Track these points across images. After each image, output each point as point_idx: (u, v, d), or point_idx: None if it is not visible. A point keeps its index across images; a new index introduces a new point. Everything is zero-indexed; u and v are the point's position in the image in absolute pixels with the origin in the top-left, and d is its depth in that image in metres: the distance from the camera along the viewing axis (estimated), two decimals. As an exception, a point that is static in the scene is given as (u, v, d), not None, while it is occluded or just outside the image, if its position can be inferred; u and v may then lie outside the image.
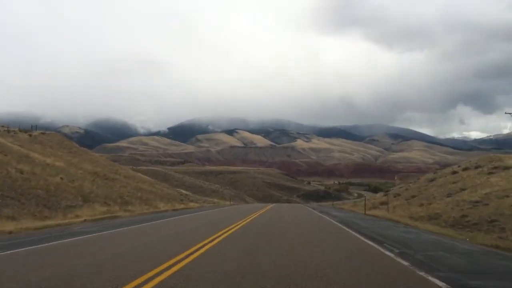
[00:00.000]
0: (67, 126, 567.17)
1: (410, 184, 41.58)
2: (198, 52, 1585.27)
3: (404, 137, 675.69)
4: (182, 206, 38.30)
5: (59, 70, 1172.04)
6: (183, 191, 61.45)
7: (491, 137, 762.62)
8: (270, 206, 46.31)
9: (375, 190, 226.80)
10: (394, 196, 34.98)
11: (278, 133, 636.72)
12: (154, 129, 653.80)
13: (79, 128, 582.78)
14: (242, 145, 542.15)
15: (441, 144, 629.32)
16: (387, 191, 47.90)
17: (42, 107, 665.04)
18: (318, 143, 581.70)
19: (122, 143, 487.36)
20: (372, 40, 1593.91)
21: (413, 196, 31.29)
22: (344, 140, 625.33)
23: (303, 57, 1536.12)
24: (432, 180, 36.71)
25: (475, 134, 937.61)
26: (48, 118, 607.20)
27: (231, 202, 61.85)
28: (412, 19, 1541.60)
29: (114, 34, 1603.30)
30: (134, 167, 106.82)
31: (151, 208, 30.15)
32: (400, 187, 43.46)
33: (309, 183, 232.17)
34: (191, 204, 44.09)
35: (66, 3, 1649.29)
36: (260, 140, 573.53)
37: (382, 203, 32.76)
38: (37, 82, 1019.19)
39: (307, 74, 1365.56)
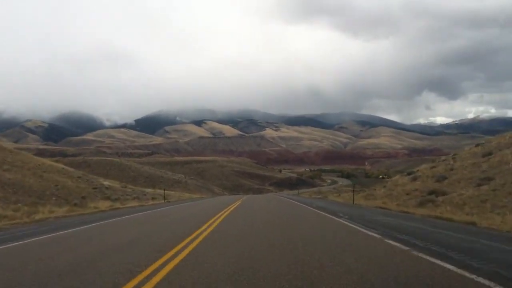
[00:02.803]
0: (30, 120, 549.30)
1: (451, 162, 28.84)
2: (164, 43, 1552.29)
3: (372, 124, 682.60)
4: (61, 211, 20.45)
5: (21, 63, 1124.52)
6: (106, 183, 45.94)
7: (456, 122, 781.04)
8: (237, 203, 27.81)
9: (348, 176, 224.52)
10: (438, 181, 23.89)
11: (246, 123, 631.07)
12: (121, 121, 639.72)
13: (43, 122, 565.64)
14: (211, 135, 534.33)
15: (408, 130, 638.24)
16: (409, 173, 32.51)
17: (4, 101, 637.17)
18: (287, 131, 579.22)
19: (88, 136, 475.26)
20: (338, 29, 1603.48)
21: (489, 179, 18.72)
22: (313, 128, 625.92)
23: (270, 47, 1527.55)
24: (487, 154, 25.15)
25: (440, 120, 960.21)
26: (11, 113, 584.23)
27: (168, 200, 40.02)
28: (378, 7, 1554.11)
29: (77, 25, 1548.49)
30: (86, 158, 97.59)
31: None
32: (433, 167, 31.35)
33: (280, 171, 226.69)
34: (99, 205, 26.69)
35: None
36: (228, 130, 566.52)
37: (433, 193, 20.65)
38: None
39: (274, 63, 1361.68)
